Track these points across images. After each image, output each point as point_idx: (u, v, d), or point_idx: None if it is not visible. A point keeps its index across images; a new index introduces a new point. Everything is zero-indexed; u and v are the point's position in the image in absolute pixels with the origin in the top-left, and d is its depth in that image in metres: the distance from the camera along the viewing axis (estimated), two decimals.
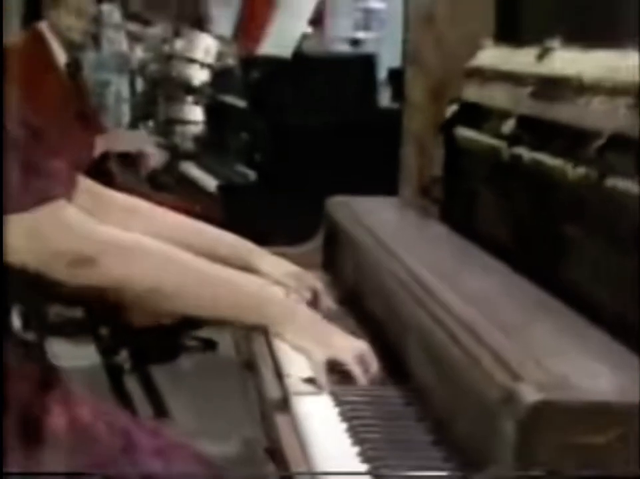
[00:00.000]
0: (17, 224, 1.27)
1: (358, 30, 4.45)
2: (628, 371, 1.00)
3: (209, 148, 3.91)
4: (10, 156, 1.29)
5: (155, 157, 3.21)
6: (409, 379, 1.29)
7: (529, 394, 0.91)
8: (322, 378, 1.31)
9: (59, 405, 1.35)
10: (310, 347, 1.35)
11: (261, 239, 2.10)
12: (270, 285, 1.50)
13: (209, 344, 3.70)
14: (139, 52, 4.62)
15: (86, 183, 1.55)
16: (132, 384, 3.01)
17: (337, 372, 1.33)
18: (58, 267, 1.30)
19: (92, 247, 1.32)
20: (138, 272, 1.35)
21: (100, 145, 3.30)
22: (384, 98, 3.91)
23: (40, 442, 1.30)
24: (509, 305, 1.26)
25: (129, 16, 4.89)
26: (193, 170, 3.75)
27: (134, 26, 4.85)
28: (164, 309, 1.59)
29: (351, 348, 1.34)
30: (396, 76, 4.00)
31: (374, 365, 1.33)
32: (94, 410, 1.39)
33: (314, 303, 1.61)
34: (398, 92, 3.49)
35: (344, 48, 4.55)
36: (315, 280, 1.69)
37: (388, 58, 4.41)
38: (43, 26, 3.36)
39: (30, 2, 3.60)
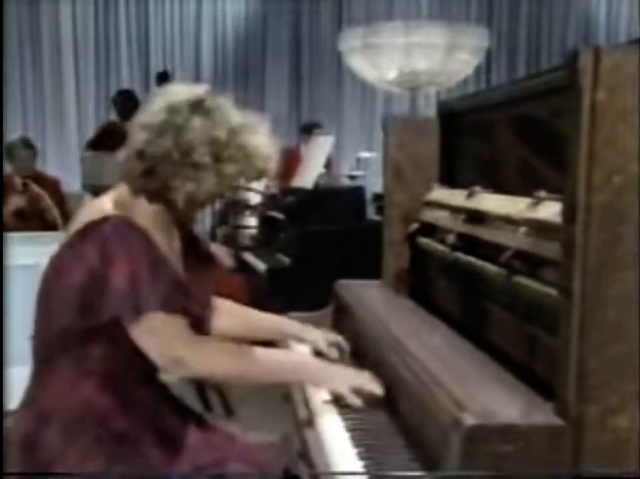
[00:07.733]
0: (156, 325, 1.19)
1: (354, 170, 4.49)
2: (528, 403, 0.99)
3: (261, 243, 3.88)
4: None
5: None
6: (392, 403, 1.25)
7: (469, 419, 0.91)
8: (350, 399, 1.26)
9: None
10: (329, 387, 1.32)
11: (292, 305, 2.06)
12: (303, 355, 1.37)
13: None
14: None
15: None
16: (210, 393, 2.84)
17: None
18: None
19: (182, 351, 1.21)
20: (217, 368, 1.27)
21: None
22: (371, 213, 3.94)
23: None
24: (454, 357, 1.23)
25: None
26: (250, 258, 3.72)
27: None
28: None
29: (349, 381, 1.29)
30: (378, 199, 4.04)
31: (371, 388, 1.26)
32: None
33: (340, 349, 1.58)
34: (380, 209, 3.51)
35: (345, 181, 4.59)
36: (337, 338, 1.62)
37: (373, 185, 4.46)
38: None
39: None
